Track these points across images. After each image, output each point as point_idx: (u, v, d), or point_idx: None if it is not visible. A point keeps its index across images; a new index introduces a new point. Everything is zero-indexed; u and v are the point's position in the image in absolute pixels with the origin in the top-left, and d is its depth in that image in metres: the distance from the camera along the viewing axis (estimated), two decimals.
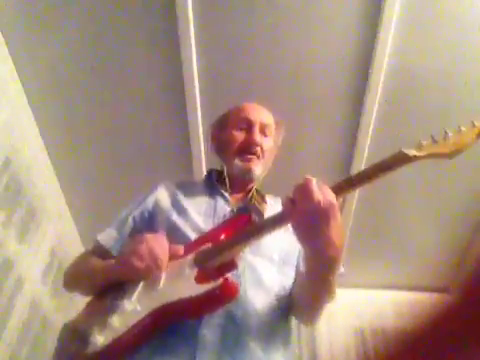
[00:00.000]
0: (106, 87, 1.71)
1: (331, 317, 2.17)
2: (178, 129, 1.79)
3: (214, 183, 1.10)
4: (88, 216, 2.05)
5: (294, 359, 0.93)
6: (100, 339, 0.79)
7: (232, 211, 1.01)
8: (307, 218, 0.68)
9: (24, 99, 1.68)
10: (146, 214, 1.03)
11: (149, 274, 0.82)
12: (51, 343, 1.76)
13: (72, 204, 2.01)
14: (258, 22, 1.56)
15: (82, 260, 1.02)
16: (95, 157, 1.90)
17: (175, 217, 0.98)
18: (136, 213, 1.03)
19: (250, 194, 1.08)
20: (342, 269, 0.87)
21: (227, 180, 1.09)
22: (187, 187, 1.11)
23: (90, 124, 1.81)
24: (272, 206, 1.06)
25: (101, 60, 1.65)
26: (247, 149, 1.08)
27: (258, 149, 1.08)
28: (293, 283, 0.95)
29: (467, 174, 1.84)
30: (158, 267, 0.81)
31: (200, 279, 0.80)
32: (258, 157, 1.09)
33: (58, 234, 1.91)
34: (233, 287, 0.78)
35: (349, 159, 1.84)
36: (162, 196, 1.07)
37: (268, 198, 1.11)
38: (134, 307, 0.81)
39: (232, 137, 1.10)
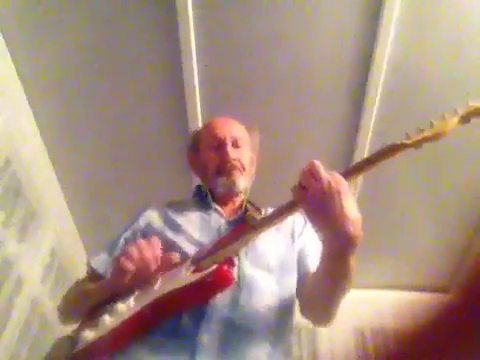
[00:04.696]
0: (106, 87, 1.71)
1: None
2: (178, 129, 1.79)
3: (204, 197, 1.10)
4: (88, 216, 2.05)
5: None
6: (90, 335, 0.78)
7: (226, 223, 1.00)
8: (321, 198, 0.69)
9: (24, 99, 1.68)
10: (138, 234, 1.02)
11: (141, 275, 0.80)
12: (51, 343, 1.76)
13: (72, 204, 2.01)
14: (258, 22, 1.56)
15: (75, 287, 1.01)
16: (95, 157, 1.89)
17: (170, 234, 0.97)
18: (127, 234, 1.03)
19: (243, 207, 1.07)
20: None
21: (212, 197, 1.09)
22: (177, 205, 1.10)
23: (90, 124, 1.80)
24: None
25: (101, 60, 1.65)
26: (225, 167, 1.07)
27: (236, 163, 1.08)
28: (300, 286, 0.94)
29: (467, 174, 1.84)
30: (148, 268, 0.80)
31: (196, 271, 0.80)
32: (239, 170, 1.08)
33: (58, 234, 1.91)
34: (227, 273, 0.77)
35: (349, 159, 1.84)
36: (153, 216, 1.06)
37: (263, 209, 1.11)
38: (128, 306, 0.80)
39: (206, 159, 1.10)
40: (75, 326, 0.88)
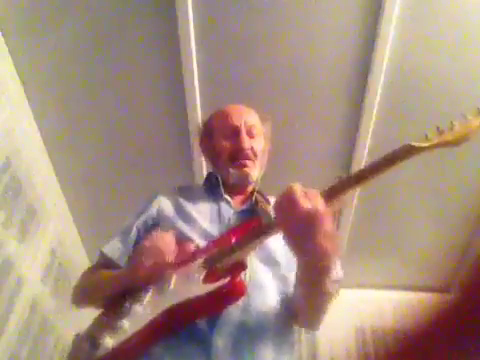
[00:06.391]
0: (106, 87, 1.71)
1: (331, 317, 2.17)
2: (178, 129, 1.79)
3: (214, 187, 1.09)
4: (88, 216, 2.05)
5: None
6: (110, 342, 0.79)
7: (236, 213, 1.00)
8: (294, 227, 0.67)
9: (24, 99, 1.68)
10: (150, 222, 1.02)
11: (158, 270, 0.80)
12: (51, 343, 1.76)
13: (72, 204, 2.01)
14: (258, 22, 1.56)
15: (89, 274, 1.01)
16: (95, 157, 1.90)
17: (181, 224, 0.96)
18: (139, 222, 1.02)
19: (253, 197, 1.07)
20: (341, 274, 0.86)
21: (223, 185, 1.08)
22: (188, 193, 1.10)
23: (90, 124, 1.81)
24: None
25: (101, 60, 1.65)
26: (239, 156, 1.06)
27: (250, 153, 1.07)
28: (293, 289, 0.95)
29: (467, 174, 1.85)
30: (166, 262, 0.79)
31: (208, 279, 0.80)
32: (252, 160, 1.07)
33: (58, 234, 1.91)
34: (240, 285, 0.78)
35: (349, 159, 1.84)
36: (164, 204, 1.05)
37: (271, 198, 1.10)
38: (145, 310, 0.81)
39: (221, 146, 1.09)
40: (92, 321, 0.89)
